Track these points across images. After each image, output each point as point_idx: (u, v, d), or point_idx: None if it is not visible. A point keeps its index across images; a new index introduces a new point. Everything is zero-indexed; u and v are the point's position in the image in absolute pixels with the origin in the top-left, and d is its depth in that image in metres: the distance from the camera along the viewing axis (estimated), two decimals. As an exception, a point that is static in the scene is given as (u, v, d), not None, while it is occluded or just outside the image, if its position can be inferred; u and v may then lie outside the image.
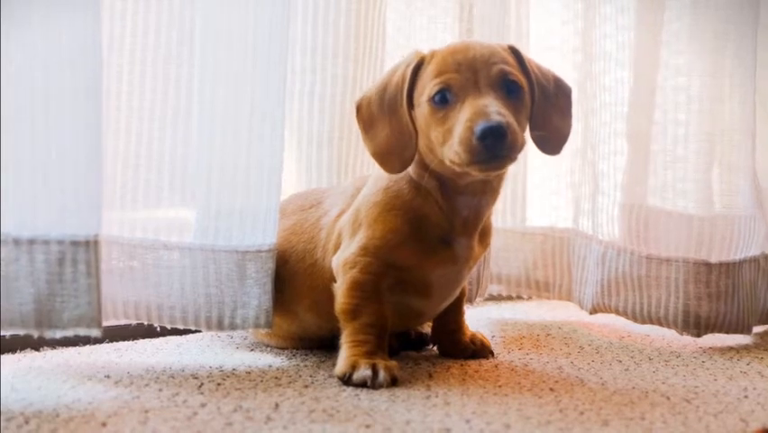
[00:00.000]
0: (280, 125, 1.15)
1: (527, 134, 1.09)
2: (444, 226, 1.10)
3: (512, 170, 1.61)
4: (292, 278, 1.17)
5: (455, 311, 1.23)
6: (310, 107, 1.36)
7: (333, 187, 1.27)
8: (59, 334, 0.99)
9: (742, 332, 1.39)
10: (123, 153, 1.14)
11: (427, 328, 1.29)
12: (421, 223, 1.10)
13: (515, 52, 1.10)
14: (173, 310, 1.13)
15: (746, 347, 1.37)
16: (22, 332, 1.00)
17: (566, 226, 1.59)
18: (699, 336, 1.38)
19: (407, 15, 1.50)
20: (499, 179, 1.12)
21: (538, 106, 1.10)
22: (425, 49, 1.10)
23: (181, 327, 1.15)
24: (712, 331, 1.38)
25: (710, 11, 1.40)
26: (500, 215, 1.58)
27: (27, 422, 0.86)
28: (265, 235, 1.15)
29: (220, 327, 1.14)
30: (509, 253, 1.61)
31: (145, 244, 1.13)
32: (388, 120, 1.08)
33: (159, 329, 1.24)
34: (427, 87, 1.05)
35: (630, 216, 1.45)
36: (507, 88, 1.05)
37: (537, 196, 1.65)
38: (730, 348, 1.36)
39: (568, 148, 1.56)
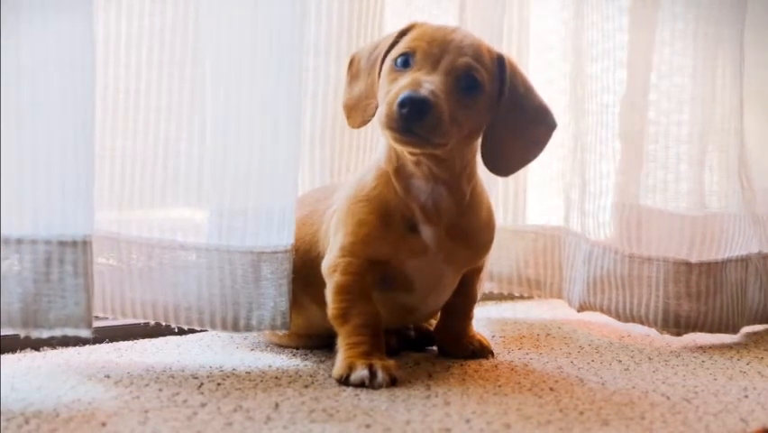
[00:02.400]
0: (295, 125, 1.15)
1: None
2: (405, 211, 1.10)
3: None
4: (301, 268, 1.17)
5: (462, 315, 1.22)
6: (303, 106, 1.36)
7: (348, 180, 1.28)
8: (45, 334, 0.97)
9: (727, 332, 1.39)
10: (142, 153, 1.14)
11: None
12: (386, 210, 1.10)
13: (500, 61, 1.09)
14: (189, 311, 1.13)
15: (747, 347, 1.37)
16: (9, 332, 0.99)
17: (558, 225, 1.58)
18: (679, 335, 1.38)
19: (407, 14, 1.49)
20: (446, 169, 1.09)
21: (499, 122, 1.08)
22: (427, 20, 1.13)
23: (198, 327, 1.15)
24: (693, 330, 1.38)
25: (703, 11, 1.40)
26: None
27: (27, 422, 0.86)
28: (281, 236, 1.14)
29: (236, 328, 1.13)
30: (501, 251, 1.60)
31: (163, 243, 1.13)
32: (366, 76, 1.11)
33: (160, 329, 1.23)
34: (397, 48, 1.07)
35: (615, 216, 1.45)
36: (466, 83, 1.04)
37: (535, 196, 1.65)
38: (730, 348, 1.36)
39: (566, 148, 1.58)
